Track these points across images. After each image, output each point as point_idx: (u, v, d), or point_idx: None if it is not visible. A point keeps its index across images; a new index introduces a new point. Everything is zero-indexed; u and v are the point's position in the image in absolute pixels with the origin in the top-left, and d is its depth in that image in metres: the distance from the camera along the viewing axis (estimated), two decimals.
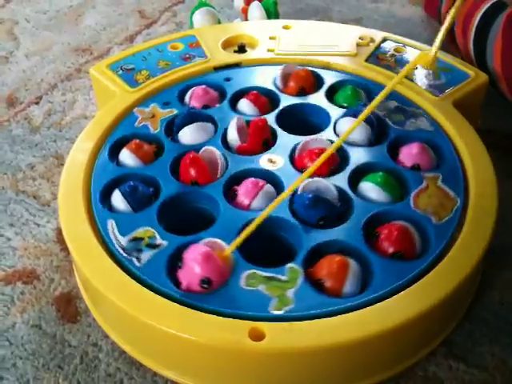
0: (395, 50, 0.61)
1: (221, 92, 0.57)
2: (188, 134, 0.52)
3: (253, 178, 0.47)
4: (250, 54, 0.62)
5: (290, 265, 0.41)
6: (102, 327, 0.45)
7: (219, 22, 0.75)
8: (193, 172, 0.47)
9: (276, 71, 0.58)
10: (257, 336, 0.37)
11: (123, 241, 0.43)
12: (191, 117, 0.53)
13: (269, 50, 0.62)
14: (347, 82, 0.58)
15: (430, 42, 0.60)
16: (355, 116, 0.49)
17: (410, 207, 0.45)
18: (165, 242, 0.43)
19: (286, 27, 0.66)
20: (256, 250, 0.42)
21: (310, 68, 0.59)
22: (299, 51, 0.61)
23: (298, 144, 0.50)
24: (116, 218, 0.45)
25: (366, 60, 0.60)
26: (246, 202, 0.45)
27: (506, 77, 0.58)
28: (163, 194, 0.47)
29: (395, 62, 0.59)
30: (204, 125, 0.52)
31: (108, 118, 0.53)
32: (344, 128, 0.51)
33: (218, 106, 0.56)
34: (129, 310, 0.39)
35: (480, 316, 0.46)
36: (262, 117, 0.53)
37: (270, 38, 0.64)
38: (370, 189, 0.46)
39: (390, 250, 0.42)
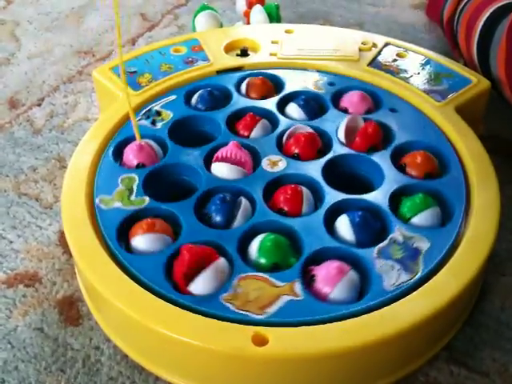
0: (398, 54, 0.61)
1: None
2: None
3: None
4: (253, 58, 0.62)
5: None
6: (104, 331, 0.45)
7: (221, 26, 0.75)
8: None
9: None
10: (260, 341, 0.37)
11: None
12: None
13: (271, 54, 0.62)
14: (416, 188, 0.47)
15: (433, 47, 0.61)
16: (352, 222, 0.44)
17: (232, 281, 0.41)
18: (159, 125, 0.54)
19: (288, 31, 0.66)
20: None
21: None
22: (301, 55, 0.62)
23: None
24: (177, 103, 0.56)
25: (369, 65, 0.60)
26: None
27: (510, 83, 0.57)
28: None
29: (398, 67, 0.59)
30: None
31: (111, 121, 0.53)
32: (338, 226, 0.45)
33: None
34: (131, 314, 0.39)
35: (481, 321, 0.46)
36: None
37: (273, 42, 0.64)
38: (254, 244, 0.43)
39: None
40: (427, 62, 0.60)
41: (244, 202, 0.46)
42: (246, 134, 0.53)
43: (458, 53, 0.68)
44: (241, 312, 0.38)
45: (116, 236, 0.44)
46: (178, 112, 0.55)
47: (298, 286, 0.40)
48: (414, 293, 0.40)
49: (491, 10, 0.61)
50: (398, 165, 0.49)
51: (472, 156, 0.49)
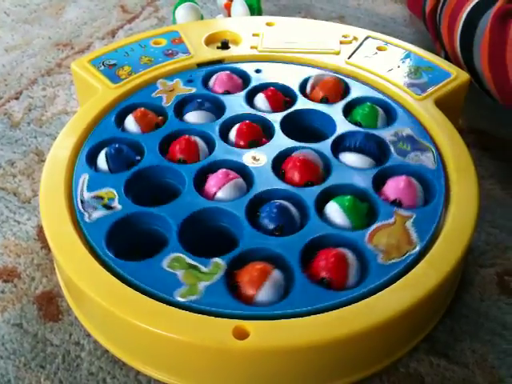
0: (378, 48, 0.61)
1: (245, 81, 0.58)
2: (192, 117, 0.54)
3: (225, 169, 0.47)
4: (233, 51, 0.62)
5: (216, 259, 0.41)
6: (84, 326, 0.44)
7: (202, 18, 0.74)
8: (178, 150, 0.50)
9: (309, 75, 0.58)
10: (241, 334, 0.37)
11: (86, 195, 0.46)
12: (200, 103, 0.55)
13: (252, 47, 0.62)
14: (368, 100, 0.55)
15: (413, 41, 0.61)
16: (357, 151, 0.49)
17: (362, 239, 0.42)
18: (119, 207, 0.45)
19: (269, 24, 0.66)
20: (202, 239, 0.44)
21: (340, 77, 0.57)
22: (282, 48, 0.61)
23: None
24: (91, 174, 0.48)
25: (349, 58, 0.60)
26: (213, 190, 0.46)
27: (493, 77, 0.57)
28: (141, 164, 0.49)
29: (378, 61, 0.59)
30: (207, 114, 0.54)
31: (90, 114, 0.53)
32: (346, 160, 0.49)
33: (237, 93, 0.57)
34: (111, 308, 0.39)
35: (461, 313, 0.46)
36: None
37: (254, 35, 0.64)
38: (334, 211, 0.44)
39: (322, 274, 0.40)
40: (407, 56, 0.60)
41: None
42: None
43: (439, 45, 0.68)
44: (396, 260, 0.40)
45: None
46: None
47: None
48: (394, 285, 0.40)
49: (475, 2, 0.60)
50: None
51: (451, 149, 0.50)
